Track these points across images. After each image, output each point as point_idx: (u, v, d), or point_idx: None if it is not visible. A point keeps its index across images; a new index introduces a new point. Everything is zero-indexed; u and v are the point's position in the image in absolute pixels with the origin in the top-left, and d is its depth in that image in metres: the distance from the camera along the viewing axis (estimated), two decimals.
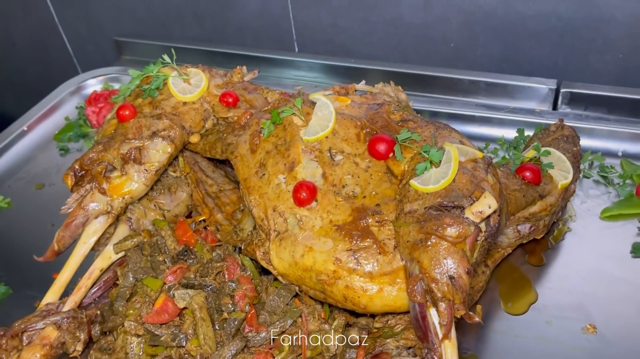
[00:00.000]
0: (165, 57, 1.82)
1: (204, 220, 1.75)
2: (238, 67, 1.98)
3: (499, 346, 1.39)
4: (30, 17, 3.16)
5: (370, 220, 1.34)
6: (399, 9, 2.42)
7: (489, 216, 1.26)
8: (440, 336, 1.18)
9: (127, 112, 1.75)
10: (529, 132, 1.90)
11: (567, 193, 1.57)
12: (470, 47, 2.39)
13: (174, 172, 1.87)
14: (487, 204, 1.22)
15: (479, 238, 1.25)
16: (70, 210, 1.63)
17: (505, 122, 2.00)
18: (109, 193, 1.64)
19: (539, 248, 1.61)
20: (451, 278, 1.18)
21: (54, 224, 1.93)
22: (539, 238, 1.58)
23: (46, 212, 1.99)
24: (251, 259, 1.55)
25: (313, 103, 1.59)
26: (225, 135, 1.69)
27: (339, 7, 2.53)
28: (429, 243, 1.21)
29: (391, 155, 1.44)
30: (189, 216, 1.83)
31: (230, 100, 1.82)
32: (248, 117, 1.68)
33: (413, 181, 1.33)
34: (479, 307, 1.39)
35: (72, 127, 2.35)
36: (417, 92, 2.19)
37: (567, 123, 1.83)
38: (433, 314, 1.20)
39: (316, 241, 1.34)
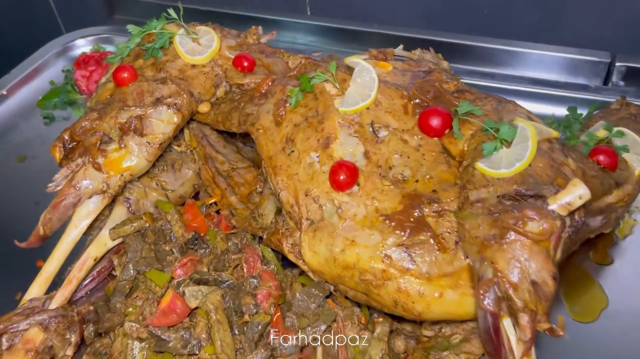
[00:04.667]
0: (171, 11, 1.56)
1: (215, 203, 1.51)
2: (253, 27, 1.72)
3: None
4: None
5: (425, 210, 1.11)
6: None
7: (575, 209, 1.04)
8: (518, 354, 0.96)
9: (126, 75, 1.49)
10: (581, 111, 1.68)
11: None
12: (504, 15, 2.15)
13: (179, 146, 1.62)
14: (577, 194, 1.00)
15: (563, 235, 1.03)
16: (58, 188, 1.38)
17: (553, 99, 1.77)
18: (105, 168, 1.39)
19: (603, 244, 1.40)
20: (534, 283, 0.97)
21: (38, 203, 1.67)
22: (607, 232, 1.37)
23: (29, 189, 1.73)
24: (272, 250, 1.33)
25: (349, 69, 1.35)
26: (242, 104, 1.44)
27: None
28: (506, 239, 0.99)
29: (447, 131, 1.21)
30: (195, 197, 1.59)
31: (246, 64, 1.57)
32: (270, 83, 1.43)
33: (480, 164, 1.11)
34: (560, 319, 1.18)
35: (57, 93, 2.07)
36: (459, 64, 1.94)
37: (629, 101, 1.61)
38: (507, 326, 0.99)
39: (359, 233, 1.11)
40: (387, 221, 1.11)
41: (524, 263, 0.97)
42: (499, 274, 0.98)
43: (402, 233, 1.09)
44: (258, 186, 1.52)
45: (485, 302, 0.98)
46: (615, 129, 1.35)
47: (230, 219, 1.43)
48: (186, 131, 1.61)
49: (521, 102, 1.76)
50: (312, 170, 1.21)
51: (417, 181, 1.16)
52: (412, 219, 1.10)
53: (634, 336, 1.22)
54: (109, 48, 2.23)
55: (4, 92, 2.02)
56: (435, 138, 1.22)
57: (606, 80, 1.84)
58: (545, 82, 1.82)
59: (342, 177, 1.16)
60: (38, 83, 2.11)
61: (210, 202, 1.49)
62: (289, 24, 2.31)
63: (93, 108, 1.46)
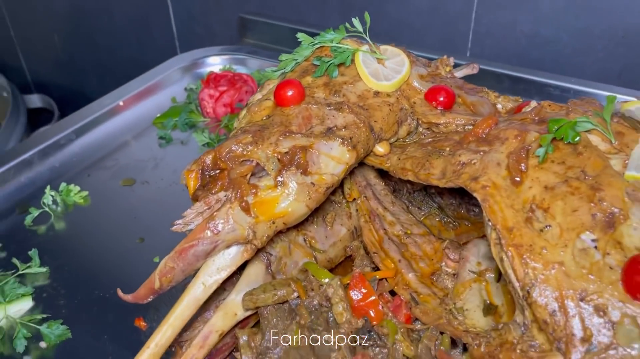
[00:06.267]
0: (356, 21, 1.21)
1: (385, 279, 1.09)
2: (445, 56, 1.35)
3: None
4: None
5: None
6: (637, 22, 1.75)
7: None
8: None
9: (291, 92, 1.13)
10: None
11: None
12: None
13: (332, 194, 1.24)
14: None
15: None
16: (189, 228, 1.00)
17: None
18: (254, 211, 1.01)
19: None
20: None
21: (144, 239, 1.32)
22: None
23: (134, 220, 1.38)
24: None
25: (627, 119, 0.93)
26: (448, 149, 1.05)
27: (546, 12, 1.89)
28: None
29: None
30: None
31: (443, 99, 1.18)
32: (493, 126, 1.03)
33: None
34: None
35: (178, 112, 1.76)
36: None
37: None
38: None
39: None
40: None
41: None
42: None
43: None
44: (444, 264, 1.10)
45: None
46: None
47: (413, 307, 1.00)
48: (348, 178, 1.23)
49: None
50: (587, 261, 0.78)
51: None
52: None
53: None
54: (241, 70, 1.93)
55: (120, 103, 1.73)
56: None
57: None
58: None
59: None
60: (158, 99, 1.82)
61: (381, 277, 1.08)
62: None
63: (246, 130, 1.10)
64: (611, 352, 0.72)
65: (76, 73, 3.30)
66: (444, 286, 1.05)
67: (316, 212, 1.20)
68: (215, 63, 1.96)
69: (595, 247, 0.79)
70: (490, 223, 0.88)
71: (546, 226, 0.83)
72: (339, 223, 1.23)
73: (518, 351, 0.80)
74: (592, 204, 0.82)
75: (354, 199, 1.24)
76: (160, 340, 0.95)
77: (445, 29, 2.10)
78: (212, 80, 1.77)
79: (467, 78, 1.37)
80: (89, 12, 3.00)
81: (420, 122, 1.19)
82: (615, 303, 0.74)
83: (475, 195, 0.92)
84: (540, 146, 0.91)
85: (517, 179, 0.90)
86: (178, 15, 2.67)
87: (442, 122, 1.16)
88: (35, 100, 3.19)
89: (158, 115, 1.76)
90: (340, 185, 1.25)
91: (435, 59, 1.78)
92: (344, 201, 1.26)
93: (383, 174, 1.27)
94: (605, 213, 0.80)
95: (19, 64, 3.56)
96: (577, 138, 0.89)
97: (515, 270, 0.82)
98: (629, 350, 0.71)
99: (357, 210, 1.24)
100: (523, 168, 0.91)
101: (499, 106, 1.23)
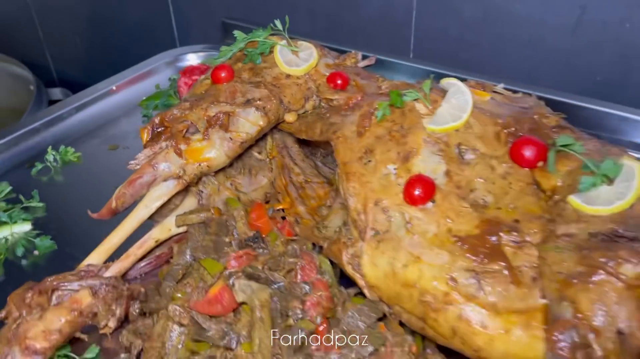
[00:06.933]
0: (278, 22, 1.60)
1: (283, 210, 1.47)
2: (353, 51, 1.73)
3: None
4: None
5: (504, 238, 1.01)
6: (542, 30, 2.11)
7: None
8: None
9: (223, 74, 1.53)
10: None
11: None
12: (619, 85, 2.03)
13: (259, 153, 1.63)
14: None
15: None
16: (138, 167, 1.41)
17: None
18: (185, 155, 1.41)
19: None
20: (620, 333, 0.83)
21: None
22: None
23: (114, 174, 1.78)
24: (331, 263, 1.26)
25: (443, 92, 1.30)
26: (328, 115, 1.43)
27: (471, 20, 2.25)
28: (593, 279, 0.87)
29: (540, 164, 1.11)
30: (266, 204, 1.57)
31: (340, 81, 1.56)
32: (359, 98, 1.41)
33: (573, 198, 1.00)
34: None
35: (160, 96, 2.18)
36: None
37: None
38: None
39: (427, 251, 1.03)
40: (460, 244, 1.02)
41: (611, 307, 0.84)
42: (580, 316, 0.85)
43: (474, 258, 0.99)
44: (328, 201, 1.48)
45: (558, 345, 0.85)
46: None
47: (294, 226, 1.38)
48: (269, 139, 1.62)
49: None
50: (387, 181, 1.15)
51: (498, 208, 1.07)
52: (487, 245, 1.00)
53: None
54: None
55: (114, 88, 2.16)
56: (527, 169, 1.12)
57: None
58: None
59: (417, 192, 1.09)
60: (145, 86, 2.24)
61: (278, 208, 1.46)
62: (391, 64, 2.31)
63: (186, 99, 1.50)
64: (387, 236, 1.08)
65: (93, 70, 3.76)
66: (322, 215, 1.43)
67: (244, 166, 1.59)
68: (195, 59, 2.37)
69: (395, 174, 1.16)
70: (337, 161, 1.26)
71: (368, 161, 1.21)
72: (261, 175, 1.61)
73: (342, 243, 1.18)
74: (399, 146, 1.19)
75: (273, 157, 1.62)
76: (111, 240, 1.35)
77: (392, 34, 2.47)
78: (188, 71, 2.18)
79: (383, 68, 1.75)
80: (106, 18, 3.47)
81: (321, 98, 1.58)
82: (395, 206, 1.11)
83: (332, 143, 1.30)
84: (378, 110, 1.29)
85: (361, 132, 1.28)
86: (178, 21, 3.10)
87: (335, 98, 1.54)
88: (56, 93, 3.66)
89: (144, 98, 2.18)
90: (266, 147, 1.63)
91: (385, 59, 2.19)
92: (267, 159, 1.65)
93: (302, 141, 1.66)
94: (405, 152, 1.18)
95: (47, 63, 4.05)
96: (401, 104, 1.26)
97: (344, 188, 1.20)
98: (398, 234, 1.08)
99: (276, 166, 1.62)
100: (366, 125, 1.29)
101: (383, 87, 1.60)
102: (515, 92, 1.47)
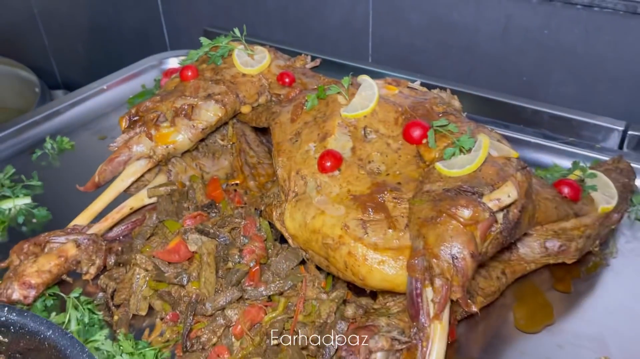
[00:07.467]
0: (236, 30, 1.92)
1: (236, 184, 1.79)
2: (303, 54, 2.05)
3: None
4: (139, 8, 3.46)
5: (387, 195, 1.31)
6: (476, 37, 2.42)
7: (508, 209, 1.21)
8: (431, 313, 1.12)
9: (189, 73, 1.85)
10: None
11: (608, 220, 1.46)
12: (542, 83, 2.33)
13: (222, 140, 1.94)
14: (506, 193, 1.17)
15: (493, 229, 1.19)
16: (117, 148, 1.73)
17: (561, 153, 1.91)
18: (155, 139, 1.72)
19: (569, 276, 1.50)
20: (454, 258, 1.13)
21: None
22: (569, 262, 1.48)
23: (102, 159, 2.11)
24: (270, 225, 1.56)
25: (359, 86, 1.61)
26: (272, 106, 1.74)
27: (418, 28, 2.56)
28: (439, 220, 1.17)
29: (424, 141, 1.42)
30: None
31: (287, 80, 1.88)
32: (297, 92, 1.72)
33: (438, 164, 1.31)
34: (479, 299, 1.31)
35: (145, 94, 2.50)
36: (479, 115, 2.13)
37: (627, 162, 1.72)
38: (429, 294, 1.15)
39: (329, 206, 1.34)
40: (354, 200, 1.33)
41: (449, 239, 1.14)
42: (427, 246, 1.16)
43: (363, 210, 1.30)
44: (274, 176, 1.79)
45: (412, 268, 1.16)
46: (590, 171, 1.48)
47: (243, 196, 1.70)
48: (230, 128, 1.94)
49: (530, 152, 1.93)
50: (307, 156, 1.46)
51: (387, 174, 1.38)
52: (374, 201, 1.31)
53: (568, 350, 1.30)
54: None
55: (104, 87, 2.48)
56: (414, 145, 1.43)
57: (620, 146, 1.94)
58: (556, 139, 1.97)
59: (327, 163, 1.40)
60: (132, 85, 2.56)
61: (232, 183, 1.78)
62: (351, 68, 2.62)
63: (158, 94, 1.82)
64: (303, 196, 1.39)
65: (94, 75, 4.10)
66: (267, 188, 1.74)
67: (208, 150, 1.91)
68: (175, 62, 2.70)
69: (314, 149, 1.47)
70: (273, 142, 1.57)
71: (296, 141, 1.52)
72: (223, 158, 1.93)
73: (273, 204, 1.49)
74: (320, 129, 1.50)
75: (233, 142, 1.94)
76: (94, 207, 1.66)
77: (353, 41, 2.79)
78: (169, 72, 2.50)
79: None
80: (104, 26, 3.81)
81: (272, 93, 1.89)
82: (311, 174, 1.42)
83: (270, 128, 1.62)
84: (308, 101, 1.60)
85: (294, 119, 1.59)
86: (169, 29, 3.44)
87: (282, 92, 1.85)
88: (59, 94, 4.00)
89: (131, 96, 2.50)
90: (227, 134, 1.95)
91: (346, 64, 2.50)
92: (228, 145, 1.96)
93: (260, 130, 1.97)
94: (323, 133, 1.49)
95: (51, 67, 4.40)
96: (324, 96, 1.57)
97: (275, 162, 1.51)
98: (310, 194, 1.38)
99: (234, 150, 1.94)
100: (298, 113, 1.60)
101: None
102: (443, 89, 1.77)
